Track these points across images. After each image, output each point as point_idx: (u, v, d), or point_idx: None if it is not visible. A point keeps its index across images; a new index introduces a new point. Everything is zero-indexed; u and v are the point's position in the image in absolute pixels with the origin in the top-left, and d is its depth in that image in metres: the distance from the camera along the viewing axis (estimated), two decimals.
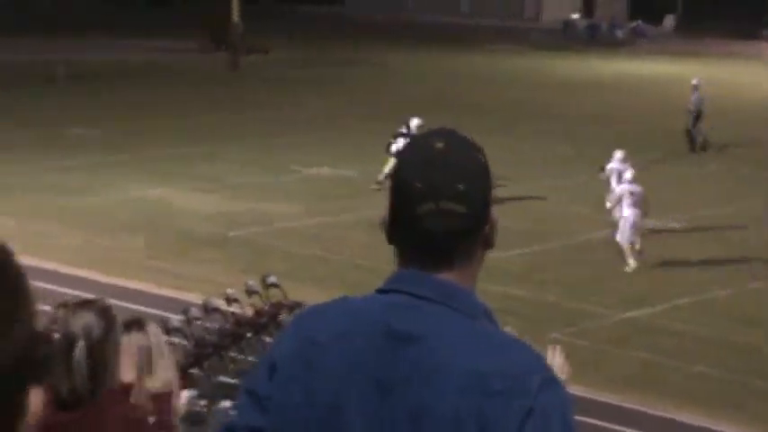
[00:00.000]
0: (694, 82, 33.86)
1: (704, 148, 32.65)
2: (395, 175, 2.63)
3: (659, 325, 18.79)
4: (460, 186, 2.54)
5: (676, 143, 33.44)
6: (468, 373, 2.44)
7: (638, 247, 21.68)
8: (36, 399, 1.47)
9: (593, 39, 66.23)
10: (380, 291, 2.61)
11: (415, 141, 2.68)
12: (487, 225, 2.61)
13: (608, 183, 23.70)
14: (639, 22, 67.24)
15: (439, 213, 2.53)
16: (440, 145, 2.58)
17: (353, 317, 2.57)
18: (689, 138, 32.97)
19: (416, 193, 2.54)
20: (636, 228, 21.71)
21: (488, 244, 2.64)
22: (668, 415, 15.64)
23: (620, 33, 67.14)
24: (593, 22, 70.68)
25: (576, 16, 76.12)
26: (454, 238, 2.56)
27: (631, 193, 21.81)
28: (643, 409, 15.80)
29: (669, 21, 76.01)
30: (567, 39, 66.43)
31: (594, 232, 23.97)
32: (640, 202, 21.76)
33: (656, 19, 73.40)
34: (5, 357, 1.40)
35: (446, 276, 2.57)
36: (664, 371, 17.02)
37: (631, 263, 21.64)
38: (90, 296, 5.59)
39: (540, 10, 78.32)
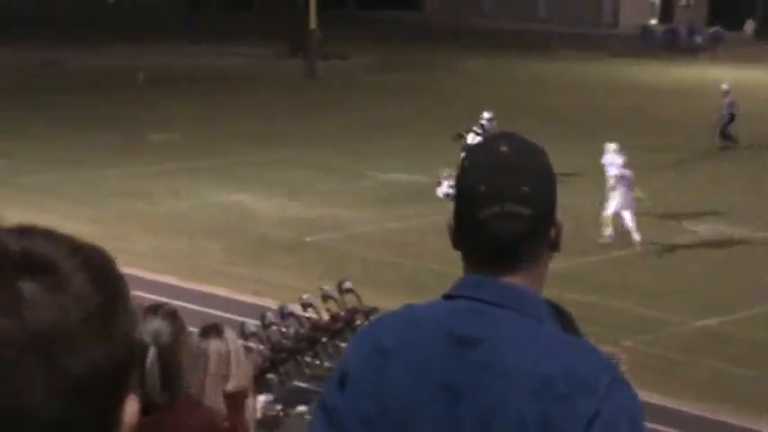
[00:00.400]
0: (724, 87, 34.00)
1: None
2: (458, 180, 2.63)
3: (734, 333, 18.64)
4: (525, 189, 2.53)
5: (755, 149, 33.14)
6: (533, 376, 2.45)
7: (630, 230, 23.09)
8: (132, 407, 1.51)
9: (672, 44, 65.63)
10: (446, 296, 2.63)
11: (478, 146, 2.69)
12: (553, 228, 2.62)
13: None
14: (718, 27, 66.55)
15: (504, 216, 2.53)
16: (503, 148, 2.57)
17: (418, 323, 2.59)
18: (726, 138, 33.64)
19: (481, 197, 2.54)
20: (624, 208, 23.23)
21: (554, 247, 2.64)
22: (742, 424, 15.52)
23: (699, 39, 66.45)
24: (671, 27, 70.07)
25: (654, 22, 75.54)
26: (519, 240, 2.56)
27: (622, 177, 23.40)
28: (717, 417, 15.68)
29: (749, 26, 75.16)
30: (645, 44, 65.91)
31: (670, 238, 23.82)
32: (631, 185, 23.41)
33: (736, 24, 72.60)
34: (107, 360, 1.44)
35: (512, 280, 2.57)
36: (738, 380, 16.89)
37: (606, 234, 23.20)
38: (164, 300, 5.66)
39: (618, 15, 77.82)
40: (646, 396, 15.34)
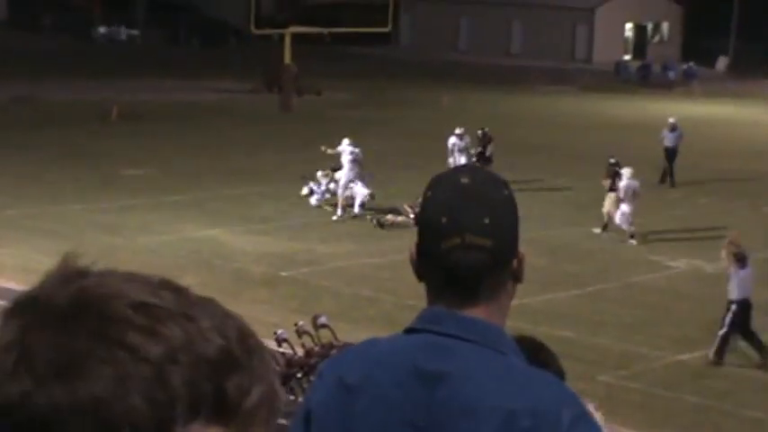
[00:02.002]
0: (672, 121, 34.55)
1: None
2: (421, 211, 2.62)
3: (712, 368, 18.62)
4: (486, 220, 2.52)
5: (728, 184, 33.26)
6: (498, 411, 2.42)
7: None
8: None
9: (646, 80, 66.07)
10: (408, 330, 2.60)
11: (440, 177, 2.65)
12: (515, 259, 2.58)
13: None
14: (691, 63, 67.04)
15: (465, 247, 2.51)
16: (465, 180, 2.56)
17: (382, 359, 2.56)
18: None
19: (442, 229, 2.52)
20: (354, 180, 28.55)
21: (517, 279, 2.60)
22: None
23: (672, 75, 66.93)
24: (645, 63, 70.52)
25: (627, 57, 76.01)
26: (481, 272, 2.53)
27: (354, 160, 28.35)
28: None
29: (722, 62, 75.76)
30: (618, 80, 66.34)
31: (647, 273, 23.85)
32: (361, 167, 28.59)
33: (709, 61, 73.17)
34: None
35: (474, 312, 2.54)
36: (717, 415, 16.87)
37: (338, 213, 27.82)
38: None
39: (592, 51, 78.29)
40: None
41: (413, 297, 21.00)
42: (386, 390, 2.51)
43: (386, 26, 52.53)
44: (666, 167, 34.13)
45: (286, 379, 16.62)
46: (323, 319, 17.63)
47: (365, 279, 22.80)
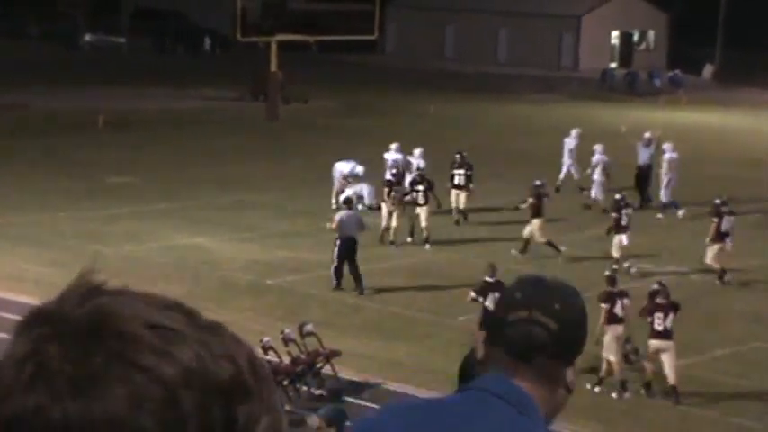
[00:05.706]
0: (647, 135, 33.80)
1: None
2: (499, 297, 2.85)
3: (698, 376, 18.65)
4: (557, 306, 2.66)
5: (713, 191, 33.29)
6: None
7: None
8: None
9: (632, 88, 66.15)
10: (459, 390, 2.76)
11: (526, 275, 2.86)
12: (572, 368, 2.69)
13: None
14: (678, 71, 67.16)
15: (530, 321, 2.64)
16: (547, 277, 2.77)
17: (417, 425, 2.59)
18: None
19: (513, 302, 2.69)
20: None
21: (568, 389, 2.70)
22: None
23: (658, 83, 67.05)
24: (631, 71, 70.64)
25: (613, 65, 76.13)
26: (538, 348, 2.63)
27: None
28: None
29: (708, 70, 75.93)
30: (605, 88, 66.41)
31: (635, 281, 23.86)
32: None
33: (695, 68, 73.35)
34: None
35: (524, 385, 2.62)
36: (702, 423, 16.88)
37: None
38: None
39: (578, 59, 78.40)
40: None
41: (398, 304, 21.02)
42: None
43: (372, 34, 52.58)
44: (637, 187, 32.22)
45: None
46: (309, 327, 17.63)
47: (351, 287, 22.76)
